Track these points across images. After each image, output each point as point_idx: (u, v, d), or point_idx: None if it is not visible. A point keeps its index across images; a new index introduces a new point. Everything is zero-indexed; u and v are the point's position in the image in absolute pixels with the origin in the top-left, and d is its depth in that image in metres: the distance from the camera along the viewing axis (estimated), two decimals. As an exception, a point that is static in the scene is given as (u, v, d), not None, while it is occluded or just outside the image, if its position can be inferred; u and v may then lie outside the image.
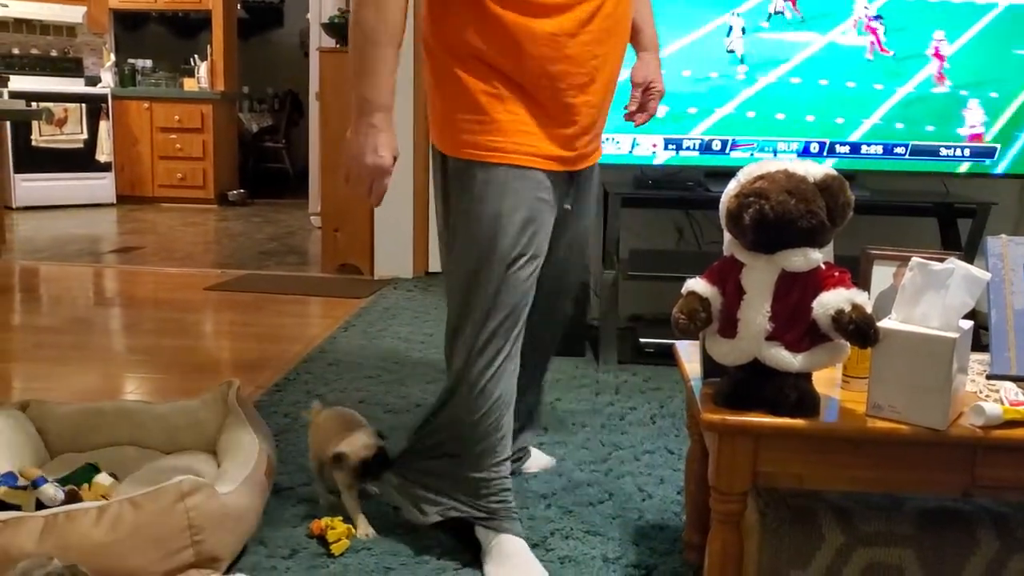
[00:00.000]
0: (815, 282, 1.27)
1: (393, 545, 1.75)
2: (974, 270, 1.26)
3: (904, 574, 1.38)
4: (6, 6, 6.87)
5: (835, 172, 1.30)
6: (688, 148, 3.05)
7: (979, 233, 3.04)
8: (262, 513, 1.76)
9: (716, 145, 3.05)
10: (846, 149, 3.06)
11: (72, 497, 1.63)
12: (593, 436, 2.35)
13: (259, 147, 8.48)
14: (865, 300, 1.24)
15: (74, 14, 7.28)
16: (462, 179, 1.64)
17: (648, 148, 3.06)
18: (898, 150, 3.06)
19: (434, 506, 1.73)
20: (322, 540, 1.73)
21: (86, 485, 1.69)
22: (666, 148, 3.06)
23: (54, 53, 7.33)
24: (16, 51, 7.10)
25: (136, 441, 1.99)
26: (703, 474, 1.56)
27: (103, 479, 1.71)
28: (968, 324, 1.28)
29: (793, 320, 1.27)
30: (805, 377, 1.31)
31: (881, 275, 1.51)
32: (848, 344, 1.28)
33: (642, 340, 3.08)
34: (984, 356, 1.49)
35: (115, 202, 7.03)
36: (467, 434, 1.67)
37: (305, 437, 2.28)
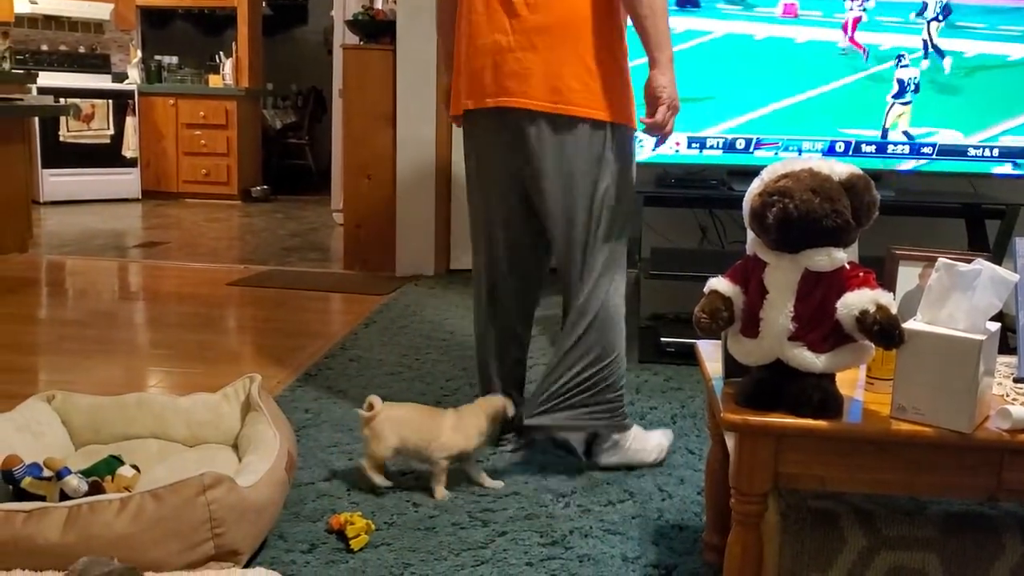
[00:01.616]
0: (839, 282, 1.26)
1: (412, 541, 1.75)
2: (1002, 271, 1.24)
3: (927, 578, 1.36)
4: (35, 3, 6.96)
5: (860, 171, 1.29)
6: (712, 147, 3.04)
7: (1007, 234, 3.00)
8: (282, 508, 1.77)
9: (740, 144, 3.03)
10: (872, 149, 3.03)
11: (95, 488, 1.64)
12: (613, 435, 2.34)
13: (282, 144, 8.53)
14: (890, 301, 1.23)
15: (102, 11, 7.36)
16: (624, 144, 2.03)
17: (671, 146, 3.04)
18: (925, 150, 3.03)
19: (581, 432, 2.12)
20: (341, 535, 1.74)
21: (109, 477, 1.71)
22: (689, 146, 3.04)
23: (82, 49, 7.41)
24: (45, 47, 7.19)
25: (158, 434, 2.01)
26: (723, 475, 1.55)
27: (126, 471, 1.73)
28: (995, 326, 1.26)
29: (816, 320, 1.26)
30: (828, 378, 1.29)
31: (907, 275, 1.49)
32: (872, 345, 1.26)
33: (663, 339, 3.07)
34: (1011, 359, 1.47)
35: (140, 197, 7.10)
36: (610, 351, 2.06)
37: (327, 432, 2.30)
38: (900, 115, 3.00)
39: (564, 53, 1.94)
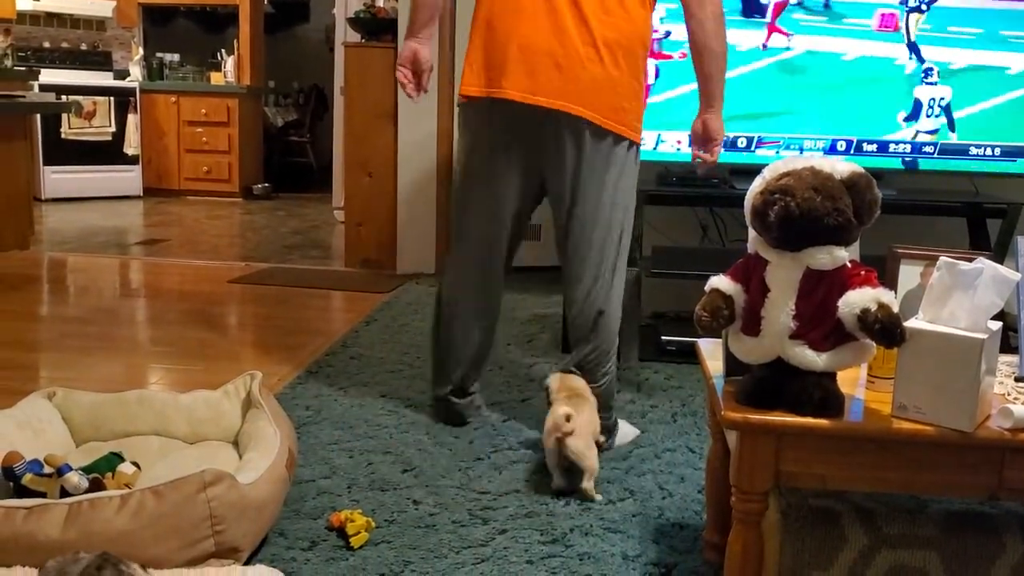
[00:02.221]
0: (841, 280, 1.26)
1: (412, 539, 1.75)
2: (1003, 270, 1.24)
3: (928, 577, 1.36)
4: (38, 0, 6.95)
5: (862, 170, 1.29)
6: (713, 145, 3.03)
7: (1009, 233, 2.99)
8: (282, 505, 1.77)
9: (742, 142, 3.03)
10: (873, 148, 3.02)
11: (96, 485, 1.64)
12: (614, 433, 2.35)
13: (284, 141, 8.52)
14: (891, 299, 1.23)
15: (104, 8, 7.36)
16: (635, 160, 2.15)
17: (672, 145, 3.04)
18: (927, 149, 3.02)
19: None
20: (341, 533, 1.74)
21: (110, 474, 1.71)
22: (691, 145, 3.03)
23: (84, 47, 7.41)
24: (47, 44, 7.19)
25: (159, 431, 2.01)
26: (724, 473, 1.54)
27: (126, 468, 1.73)
28: (997, 325, 1.26)
29: (818, 319, 1.26)
30: (829, 376, 1.29)
31: (908, 274, 1.49)
32: (874, 344, 1.26)
33: (664, 338, 3.07)
34: (1013, 358, 1.47)
35: (142, 195, 7.09)
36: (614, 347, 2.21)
37: (327, 429, 2.30)
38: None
39: (626, 72, 2.04)
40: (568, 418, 1.90)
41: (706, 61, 2.11)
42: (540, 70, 2.02)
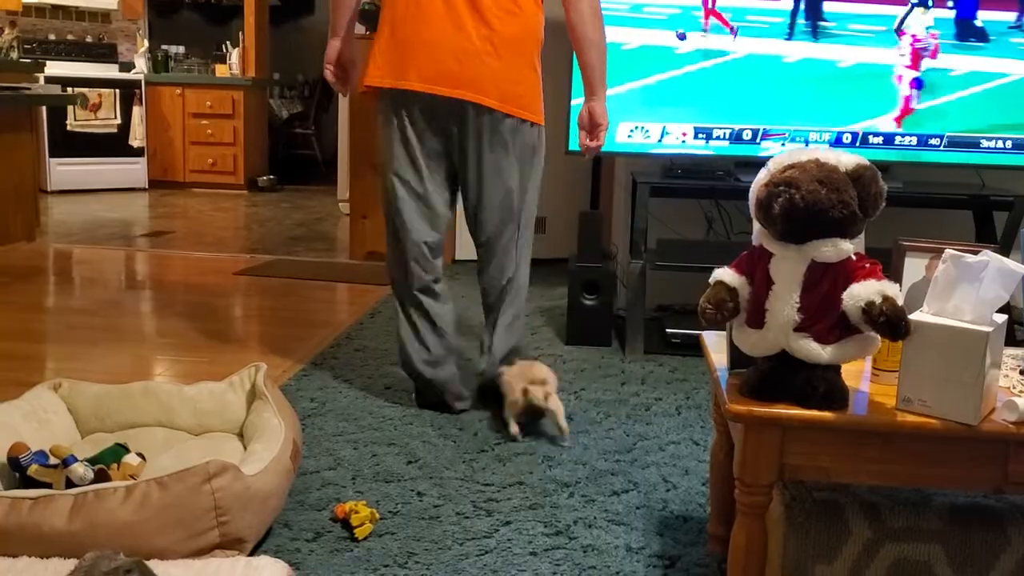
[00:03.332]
0: (845, 273, 1.25)
1: (416, 530, 1.76)
2: (1009, 263, 1.23)
3: (932, 570, 1.36)
4: (43, -8, 6.95)
5: (867, 162, 1.28)
6: (718, 137, 3.03)
7: (1015, 226, 2.98)
8: (287, 496, 1.77)
9: (747, 135, 3.02)
10: (879, 140, 3.01)
11: (101, 476, 1.65)
12: (618, 426, 2.35)
13: (289, 133, 8.52)
14: (896, 292, 1.22)
15: (109, 1, 7.35)
16: (538, 139, 2.33)
17: (678, 137, 3.03)
18: (933, 141, 3.01)
19: None
20: (346, 524, 1.74)
21: (115, 465, 1.71)
22: (696, 137, 3.03)
23: (89, 39, 7.41)
24: (52, 37, 7.19)
25: (164, 422, 2.01)
26: (728, 465, 1.54)
27: (132, 459, 1.73)
28: (1002, 318, 1.25)
29: (822, 311, 1.26)
30: (834, 369, 1.29)
31: (913, 267, 1.49)
32: (878, 336, 1.26)
33: (669, 330, 3.07)
34: (1018, 351, 1.47)
35: (147, 187, 7.10)
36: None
37: (332, 421, 2.31)
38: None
39: (522, 63, 2.24)
40: (544, 381, 2.20)
41: (586, 51, 2.29)
42: (442, 63, 2.20)
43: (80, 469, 1.64)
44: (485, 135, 2.24)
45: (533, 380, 2.21)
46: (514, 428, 2.22)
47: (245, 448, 1.87)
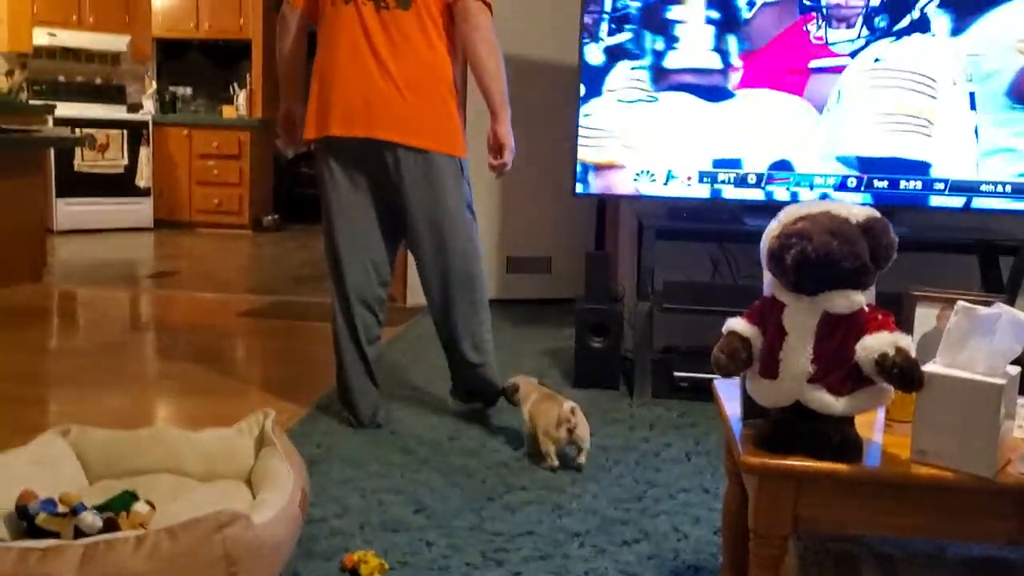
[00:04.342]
0: (858, 324, 1.26)
1: (425, 580, 1.74)
2: (1022, 315, 1.23)
3: (949, 624, 1.35)
4: (54, 35, 7.05)
5: (878, 214, 1.29)
6: (724, 181, 3.05)
7: (1022, 271, 2.98)
8: (296, 545, 1.76)
9: (752, 179, 3.04)
10: (884, 184, 3.03)
11: (110, 525, 1.63)
12: (627, 473, 2.33)
13: (294, 173, 8.58)
14: (909, 343, 1.23)
15: (119, 43, 7.45)
16: (457, 170, 2.49)
17: (684, 181, 3.05)
18: (938, 186, 3.03)
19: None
20: (355, 574, 1.73)
21: (124, 513, 1.70)
22: (701, 181, 3.05)
23: (98, 80, 7.50)
24: (62, 78, 7.27)
25: (172, 468, 2.00)
26: (741, 515, 1.53)
27: (141, 507, 1.72)
28: (1016, 370, 1.25)
29: (836, 362, 1.26)
30: (848, 421, 1.29)
31: (925, 317, 1.49)
32: (892, 388, 1.26)
33: (676, 374, 3.06)
34: (1031, 401, 1.46)
35: (153, 227, 7.14)
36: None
37: (338, 467, 2.29)
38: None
39: (428, 101, 2.42)
40: (573, 411, 2.26)
41: (483, 78, 2.45)
42: (353, 108, 2.41)
43: (89, 518, 1.62)
44: (405, 171, 2.43)
45: (562, 415, 2.27)
46: (555, 462, 2.31)
47: (254, 495, 1.86)
